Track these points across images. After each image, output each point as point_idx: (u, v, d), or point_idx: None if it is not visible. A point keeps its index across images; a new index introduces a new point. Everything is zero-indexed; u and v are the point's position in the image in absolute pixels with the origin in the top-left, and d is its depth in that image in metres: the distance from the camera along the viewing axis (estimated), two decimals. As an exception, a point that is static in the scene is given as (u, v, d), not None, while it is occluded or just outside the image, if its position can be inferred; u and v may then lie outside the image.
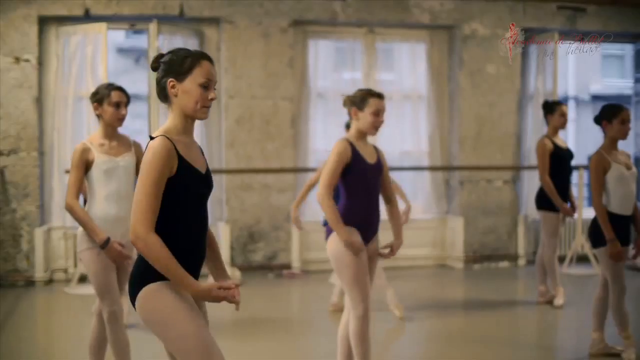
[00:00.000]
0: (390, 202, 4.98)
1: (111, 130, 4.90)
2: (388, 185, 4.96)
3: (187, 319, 3.05)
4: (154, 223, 2.99)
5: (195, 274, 3.15)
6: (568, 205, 7.55)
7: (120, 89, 4.92)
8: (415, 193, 10.33)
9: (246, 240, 9.46)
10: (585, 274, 9.51)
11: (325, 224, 4.92)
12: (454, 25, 10.24)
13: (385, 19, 9.96)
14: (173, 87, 3.15)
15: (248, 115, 9.45)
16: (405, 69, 10.46)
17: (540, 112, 10.19)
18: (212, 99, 3.17)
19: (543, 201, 7.57)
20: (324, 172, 4.67)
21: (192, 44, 9.45)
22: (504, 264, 10.04)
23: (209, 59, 3.20)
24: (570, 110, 18.78)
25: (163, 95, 3.21)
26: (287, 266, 9.53)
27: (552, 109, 7.62)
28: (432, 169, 10.17)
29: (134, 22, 9.53)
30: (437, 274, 9.73)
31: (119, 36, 17.04)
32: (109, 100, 4.83)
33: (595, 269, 9.52)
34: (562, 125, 7.63)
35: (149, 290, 3.09)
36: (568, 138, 18.10)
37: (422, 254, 9.99)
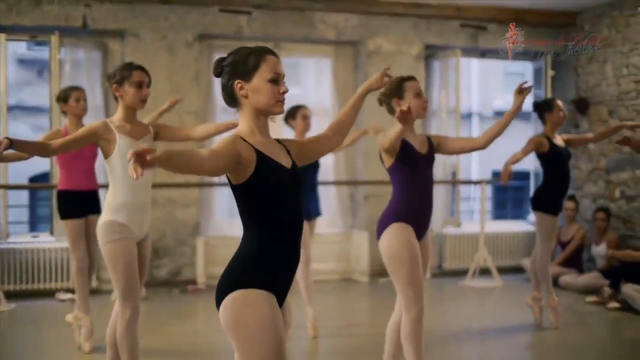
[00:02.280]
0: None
1: (132, 113, 4.72)
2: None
3: (273, 342, 2.92)
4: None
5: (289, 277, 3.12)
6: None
7: (141, 68, 4.74)
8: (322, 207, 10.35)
9: (150, 256, 9.30)
10: (487, 287, 9.67)
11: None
12: (359, 40, 10.34)
13: (291, 33, 9.99)
14: (241, 88, 3.07)
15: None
16: (311, 84, 10.51)
17: (444, 126, 10.44)
18: (284, 92, 3.09)
19: (540, 202, 7.30)
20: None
21: (95, 57, 9.31)
22: (409, 277, 10.12)
23: (273, 52, 3.12)
24: (474, 125, 19.26)
25: (232, 99, 3.12)
26: (192, 281, 9.42)
27: (551, 105, 7.23)
28: (338, 183, 10.22)
29: (35, 34, 9.33)
30: (343, 288, 9.74)
31: (20, 47, 16.65)
32: (130, 80, 4.65)
33: (496, 282, 9.72)
34: (562, 120, 7.22)
35: (239, 297, 2.95)
36: (471, 153, 18.48)
37: (328, 269, 9.97)
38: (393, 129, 4.42)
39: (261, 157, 3.01)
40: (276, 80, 3.07)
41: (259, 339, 2.90)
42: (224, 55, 3.21)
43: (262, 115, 3.11)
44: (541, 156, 7.23)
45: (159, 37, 9.40)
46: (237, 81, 3.06)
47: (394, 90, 4.68)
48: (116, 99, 4.75)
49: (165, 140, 4.99)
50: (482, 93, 19.31)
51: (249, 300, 2.93)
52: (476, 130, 19.06)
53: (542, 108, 7.32)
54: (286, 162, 3.14)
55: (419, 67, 10.48)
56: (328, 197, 10.37)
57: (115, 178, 4.60)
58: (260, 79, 3.04)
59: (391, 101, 4.68)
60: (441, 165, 10.49)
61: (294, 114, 7.05)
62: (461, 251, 10.62)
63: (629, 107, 9.84)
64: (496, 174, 15.07)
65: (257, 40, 9.99)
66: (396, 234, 4.57)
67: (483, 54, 11.46)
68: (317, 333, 6.97)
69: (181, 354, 6.51)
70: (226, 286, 2.99)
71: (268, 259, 3.00)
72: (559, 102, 7.29)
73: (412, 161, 4.63)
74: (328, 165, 10.25)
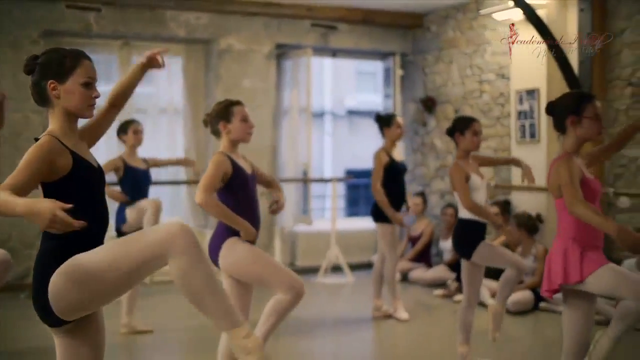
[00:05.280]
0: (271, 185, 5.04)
1: None
2: (264, 175, 5.02)
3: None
4: None
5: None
6: (403, 213, 7.65)
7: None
8: (173, 207, 10.25)
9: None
10: (339, 283, 9.81)
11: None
12: (210, 39, 10.29)
13: (142, 31, 9.84)
14: (54, 88, 3.06)
15: (-4, 128, 8.98)
16: (161, 83, 10.35)
17: (296, 125, 10.52)
18: (96, 97, 3.13)
19: (379, 214, 7.50)
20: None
21: None
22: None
23: (88, 57, 3.15)
24: (327, 124, 19.51)
25: (42, 98, 3.10)
26: (40, 285, 9.11)
27: (389, 121, 7.53)
28: (189, 182, 10.12)
29: None
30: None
31: None
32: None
33: (348, 278, 9.88)
34: (399, 136, 7.58)
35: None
36: (324, 152, 18.71)
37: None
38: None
39: (76, 159, 3.06)
40: (89, 84, 3.11)
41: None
42: None
43: (73, 116, 3.14)
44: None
45: (3, 33, 9.07)
46: (50, 81, 3.07)
47: (221, 113, 4.68)
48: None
49: None
50: (335, 92, 19.56)
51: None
52: (329, 129, 19.29)
53: (382, 122, 7.65)
54: (94, 161, 3.21)
55: (270, 66, 10.53)
56: (180, 196, 10.28)
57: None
58: (74, 82, 3.07)
59: (218, 124, 4.69)
60: (292, 164, 10.56)
61: (126, 128, 6.98)
62: (313, 249, 10.71)
63: (473, 105, 10.19)
64: (349, 172, 15.31)
65: (106, 38, 9.81)
66: (233, 246, 4.57)
67: (334, 53, 11.62)
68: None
69: (28, 356, 6.36)
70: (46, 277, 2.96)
71: (74, 254, 2.98)
72: (399, 119, 7.64)
73: (243, 182, 4.63)
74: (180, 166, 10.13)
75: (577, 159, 3.96)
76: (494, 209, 8.53)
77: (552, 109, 4.09)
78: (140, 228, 6.85)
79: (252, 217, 4.61)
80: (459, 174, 5.55)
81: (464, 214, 5.65)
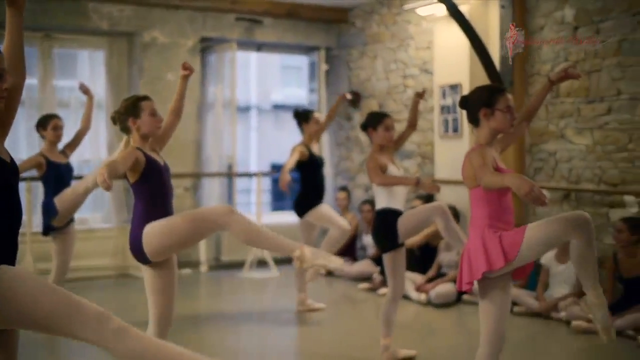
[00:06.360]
0: None
1: None
2: None
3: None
4: None
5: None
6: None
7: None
8: (95, 202, 10.12)
9: None
10: (265, 277, 9.80)
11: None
12: (134, 32, 10.17)
13: (63, 23, 9.66)
14: None
15: None
16: (84, 76, 10.17)
17: (220, 120, 10.47)
18: (5, 89, 3.03)
19: (301, 208, 7.63)
20: None
21: None
22: (187, 271, 10.04)
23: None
24: (253, 118, 19.44)
25: None
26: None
27: (307, 117, 7.72)
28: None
29: None
30: (119, 283, 9.52)
31: None
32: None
33: (273, 272, 9.88)
34: (317, 132, 7.79)
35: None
36: (250, 146, 18.67)
37: (103, 264, 9.71)
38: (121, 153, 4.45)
39: None
40: (0, 75, 3.03)
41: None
42: None
43: None
44: (300, 164, 7.61)
45: None
46: None
47: (130, 109, 4.57)
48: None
49: None
50: (260, 86, 19.50)
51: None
52: (255, 123, 19.23)
53: (300, 118, 7.83)
54: (7, 157, 3.11)
55: (194, 60, 10.44)
56: (102, 192, 10.13)
57: None
58: None
59: (127, 120, 4.57)
60: (217, 158, 10.50)
61: (45, 123, 6.83)
62: (238, 243, 10.53)
63: (397, 100, 10.27)
64: (274, 167, 15.29)
65: (26, 30, 9.47)
66: (150, 227, 4.38)
67: (259, 47, 11.59)
68: None
69: None
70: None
71: None
72: (316, 115, 7.83)
73: (157, 174, 4.52)
74: (102, 160, 10.00)
75: (490, 149, 4.02)
76: (417, 203, 8.63)
77: (466, 102, 4.15)
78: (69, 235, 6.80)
79: (168, 208, 4.53)
80: (374, 163, 5.73)
81: (380, 204, 5.76)
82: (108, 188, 3.72)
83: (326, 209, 7.65)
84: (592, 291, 3.85)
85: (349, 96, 8.68)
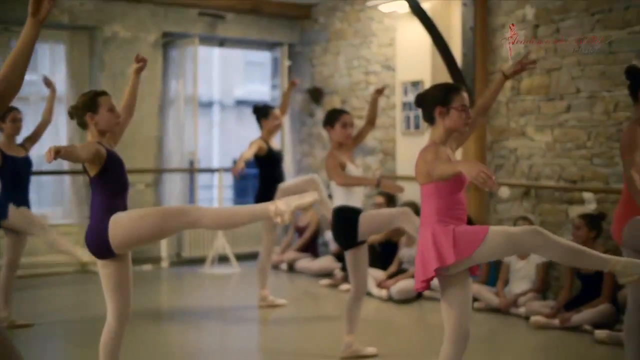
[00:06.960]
0: None
1: None
2: None
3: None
4: None
5: None
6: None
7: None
8: (55, 198, 10.02)
9: None
10: (226, 273, 9.77)
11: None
12: (95, 26, 10.07)
13: (22, 16, 9.46)
14: None
15: None
16: (44, 70, 10.05)
17: (182, 115, 10.42)
18: None
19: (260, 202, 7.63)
20: None
21: None
22: (148, 267, 9.97)
23: None
24: (215, 114, 19.38)
25: None
26: None
27: (266, 113, 7.79)
28: (73, 172, 9.89)
29: None
30: (79, 280, 9.41)
31: None
32: None
33: (234, 268, 9.86)
34: (276, 128, 7.85)
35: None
36: (212, 142, 18.60)
37: (62, 260, 9.57)
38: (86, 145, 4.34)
39: None
40: None
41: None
42: None
43: None
44: (259, 159, 7.69)
45: None
46: None
47: (87, 104, 4.48)
48: None
49: None
50: (223, 82, 19.44)
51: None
52: (217, 119, 19.17)
53: (260, 114, 7.90)
54: None
55: (156, 54, 10.38)
56: (63, 187, 10.06)
57: None
58: None
59: (84, 115, 4.47)
60: (178, 154, 10.45)
61: (4, 116, 6.69)
62: (200, 239, 10.60)
63: (359, 97, 10.30)
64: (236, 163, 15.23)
65: (-17, 23, 9.47)
66: (114, 221, 4.30)
67: (222, 42, 11.55)
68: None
69: None
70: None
71: None
72: (276, 111, 7.89)
73: (119, 168, 4.46)
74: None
75: (445, 148, 4.04)
76: (380, 199, 8.66)
77: (421, 100, 4.18)
78: (21, 232, 6.70)
79: (126, 202, 4.50)
80: (333, 161, 5.78)
81: (338, 201, 5.79)
82: (49, 160, 3.68)
83: (284, 187, 7.68)
84: (612, 267, 3.80)
85: (297, 81, 8.69)
